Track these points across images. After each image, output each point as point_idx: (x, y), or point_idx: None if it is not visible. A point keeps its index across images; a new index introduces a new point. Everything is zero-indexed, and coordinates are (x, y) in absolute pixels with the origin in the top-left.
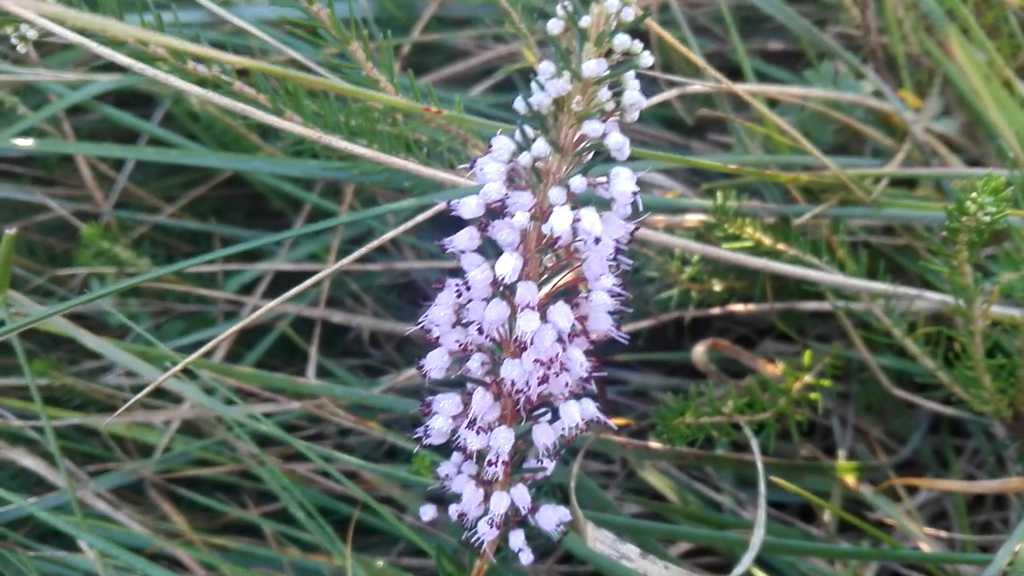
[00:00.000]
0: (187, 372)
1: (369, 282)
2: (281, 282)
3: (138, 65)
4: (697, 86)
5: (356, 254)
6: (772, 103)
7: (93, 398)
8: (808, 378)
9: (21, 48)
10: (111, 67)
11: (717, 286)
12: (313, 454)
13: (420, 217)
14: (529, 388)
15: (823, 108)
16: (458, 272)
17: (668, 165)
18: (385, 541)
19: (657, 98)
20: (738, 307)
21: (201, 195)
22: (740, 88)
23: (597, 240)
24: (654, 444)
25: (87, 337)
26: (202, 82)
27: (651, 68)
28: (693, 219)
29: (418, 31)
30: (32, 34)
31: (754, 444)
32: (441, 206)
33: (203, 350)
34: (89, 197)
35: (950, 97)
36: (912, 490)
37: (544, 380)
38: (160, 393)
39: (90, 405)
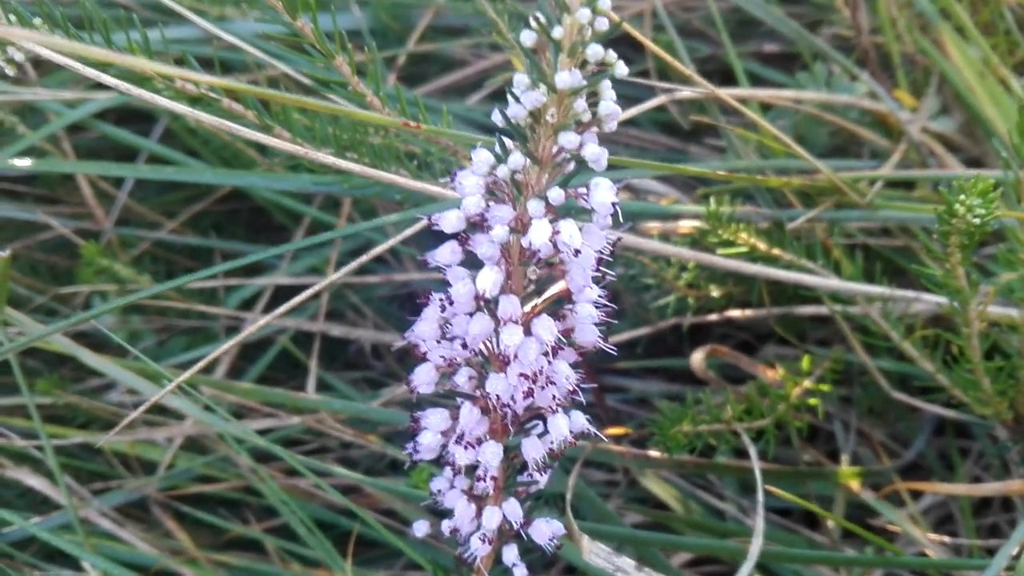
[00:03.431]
0: (189, 389)
1: (370, 294)
2: (282, 297)
3: (124, 85)
4: (686, 92)
5: (349, 267)
6: (766, 107)
7: (97, 416)
8: (808, 383)
9: (9, 71)
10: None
11: (715, 292)
12: (309, 470)
13: (409, 231)
14: (515, 402)
15: (816, 111)
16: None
17: (662, 172)
18: (389, 554)
19: (647, 104)
20: (736, 312)
21: (202, 210)
22: (727, 93)
23: (577, 252)
24: (654, 453)
25: (87, 355)
26: (192, 100)
27: (645, 75)
28: (687, 225)
29: (413, 41)
30: (19, 56)
31: (752, 451)
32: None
33: (199, 366)
34: (90, 215)
35: (947, 96)
36: (916, 494)
37: (530, 394)
38: (163, 410)
39: (94, 423)
